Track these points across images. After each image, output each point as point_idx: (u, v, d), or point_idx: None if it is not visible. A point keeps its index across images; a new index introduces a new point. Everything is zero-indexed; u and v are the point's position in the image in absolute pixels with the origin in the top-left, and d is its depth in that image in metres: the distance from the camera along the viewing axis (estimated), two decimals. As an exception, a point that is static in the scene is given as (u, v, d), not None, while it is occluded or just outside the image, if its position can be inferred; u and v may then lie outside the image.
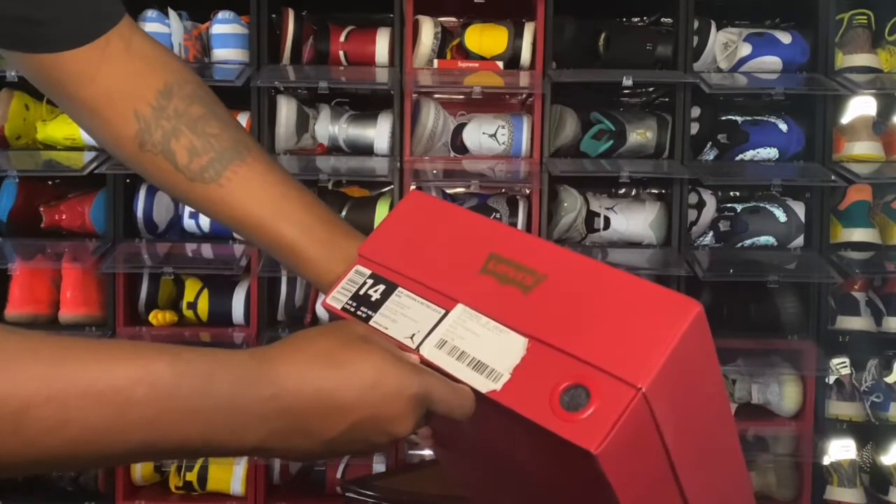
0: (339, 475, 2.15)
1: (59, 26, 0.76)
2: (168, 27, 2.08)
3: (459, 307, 0.72)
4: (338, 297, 0.78)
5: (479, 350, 0.69)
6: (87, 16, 0.78)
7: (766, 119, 2.21)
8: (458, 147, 2.17)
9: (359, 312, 0.75)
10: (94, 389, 0.51)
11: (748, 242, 2.19)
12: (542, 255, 0.72)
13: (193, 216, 2.14)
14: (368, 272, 0.78)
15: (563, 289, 0.69)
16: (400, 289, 0.75)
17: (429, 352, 0.70)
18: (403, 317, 0.73)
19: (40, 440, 0.49)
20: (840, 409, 2.19)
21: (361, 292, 0.77)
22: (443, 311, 0.72)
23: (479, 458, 0.84)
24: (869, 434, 2.23)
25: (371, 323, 0.73)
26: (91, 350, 0.52)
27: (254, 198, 0.81)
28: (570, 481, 0.70)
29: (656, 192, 2.33)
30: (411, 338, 0.71)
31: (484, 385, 0.66)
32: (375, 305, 0.75)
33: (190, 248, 2.15)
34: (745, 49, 2.13)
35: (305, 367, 0.59)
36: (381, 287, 0.76)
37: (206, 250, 2.14)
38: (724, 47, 2.15)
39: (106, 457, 0.53)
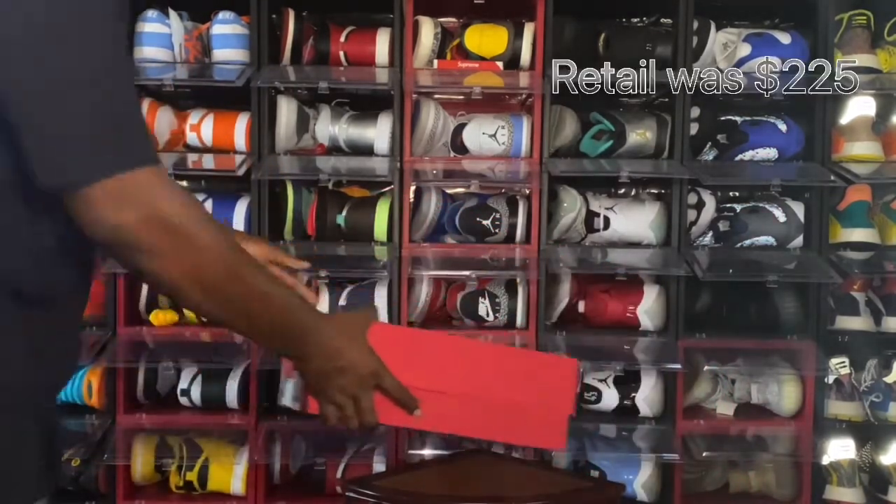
0: (339, 475, 2.15)
1: None
2: (168, 27, 2.08)
3: None
4: None
5: None
6: None
7: (765, 119, 2.21)
8: (458, 147, 2.17)
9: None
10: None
11: (748, 242, 2.19)
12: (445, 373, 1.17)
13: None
14: None
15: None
16: None
17: None
18: None
19: (254, 305, 0.99)
20: (839, 408, 2.19)
21: None
22: None
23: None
24: (868, 434, 2.23)
25: None
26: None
27: None
28: None
29: (656, 192, 2.33)
30: None
31: None
32: None
33: (190, 248, 2.15)
34: (745, 49, 2.14)
35: (337, 333, 1.09)
36: None
37: (207, 250, 2.14)
38: (724, 47, 2.16)
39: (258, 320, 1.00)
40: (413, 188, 2.17)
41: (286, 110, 2.10)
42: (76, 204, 0.86)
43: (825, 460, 2.15)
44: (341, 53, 2.15)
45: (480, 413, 1.20)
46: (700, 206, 2.18)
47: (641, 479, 2.14)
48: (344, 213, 2.15)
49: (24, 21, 0.83)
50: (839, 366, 2.18)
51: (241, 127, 2.13)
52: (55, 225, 0.91)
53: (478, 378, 1.20)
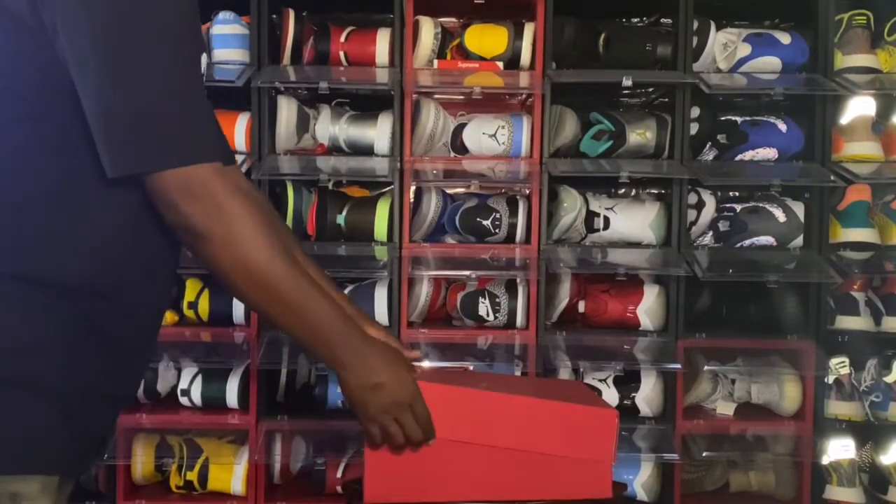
0: (339, 475, 2.15)
1: None
2: (168, 27, 2.08)
3: None
4: None
5: None
6: None
7: (765, 119, 2.21)
8: (458, 147, 2.17)
9: None
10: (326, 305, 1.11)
11: (747, 242, 2.19)
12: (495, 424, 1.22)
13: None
14: None
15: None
16: None
17: None
18: None
19: (299, 305, 1.07)
20: (839, 408, 2.19)
21: None
22: None
23: None
24: (868, 434, 2.23)
25: None
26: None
27: None
28: None
29: (656, 192, 2.33)
30: None
31: None
32: None
33: (190, 248, 2.15)
34: (745, 49, 2.14)
35: (377, 355, 1.16)
36: None
37: (207, 250, 2.14)
38: (724, 47, 2.16)
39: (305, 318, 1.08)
40: (413, 188, 2.17)
41: (286, 110, 2.10)
42: (149, 186, 0.98)
43: (825, 460, 2.15)
44: (341, 53, 2.16)
45: (520, 471, 1.23)
46: (700, 206, 2.18)
47: (641, 479, 2.14)
48: (344, 213, 2.15)
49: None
50: (839, 366, 2.18)
51: (241, 127, 2.13)
52: (121, 211, 1.01)
53: (516, 433, 1.23)
